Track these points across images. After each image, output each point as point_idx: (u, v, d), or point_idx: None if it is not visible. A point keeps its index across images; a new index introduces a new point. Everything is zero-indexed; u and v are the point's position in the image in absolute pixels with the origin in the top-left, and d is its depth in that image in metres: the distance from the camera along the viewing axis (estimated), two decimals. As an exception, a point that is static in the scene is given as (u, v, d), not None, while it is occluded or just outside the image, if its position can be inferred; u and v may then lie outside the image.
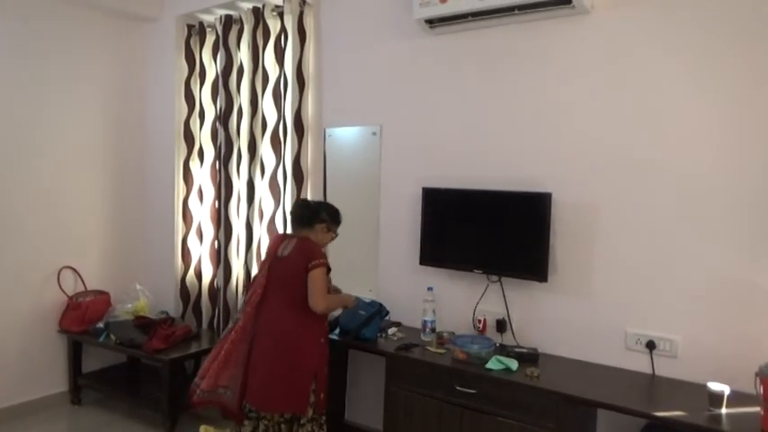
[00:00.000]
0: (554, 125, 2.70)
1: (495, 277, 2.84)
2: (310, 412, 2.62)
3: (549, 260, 2.62)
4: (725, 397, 2.04)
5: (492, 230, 2.80)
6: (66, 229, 3.92)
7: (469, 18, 2.79)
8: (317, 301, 2.59)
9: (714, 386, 2.06)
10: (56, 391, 3.86)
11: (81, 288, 3.98)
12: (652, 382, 2.37)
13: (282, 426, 2.66)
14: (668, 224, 2.41)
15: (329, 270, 2.72)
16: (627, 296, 2.51)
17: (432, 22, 2.92)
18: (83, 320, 3.79)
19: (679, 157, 2.38)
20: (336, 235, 2.89)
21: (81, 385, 3.88)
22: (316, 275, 2.60)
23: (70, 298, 3.86)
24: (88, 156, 4.05)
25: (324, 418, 2.72)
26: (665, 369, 2.42)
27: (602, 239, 2.57)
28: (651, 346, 2.43)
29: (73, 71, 3.92)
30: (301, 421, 2.62)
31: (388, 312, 2.97)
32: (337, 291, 2.99)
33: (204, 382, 2.74)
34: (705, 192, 2.33)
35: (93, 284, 4.05)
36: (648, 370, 2.45)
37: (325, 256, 2.70)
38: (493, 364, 2.44)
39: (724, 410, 2.04)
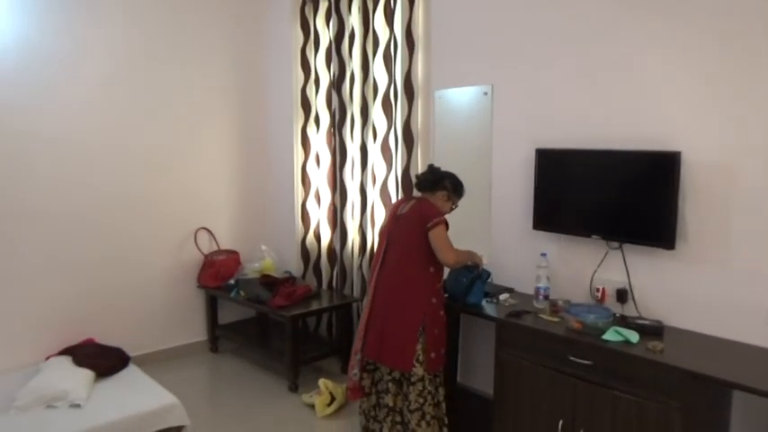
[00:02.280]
0: (682, 75, 2.41)
1: (615, 243, 2.66)
2: (420, 371, 2.65)
3: (677, 226, 2.39)
4: None
5: (612, 193, 2.61)
6: (201, 195, 4.29)
7: (590, -38, 2.56)
8: (447, 256, 2.65)
9: None
10: (196, 339, 4.31)
11: (215, 248, 4.35)
12: (799, 364, 2.11)
13: (390, 384, 2.72)
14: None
15: (447, 227, 2.73)
16: (771, 267, 2.23)
17: (547, -30, 2.72)
18: (217, 277, 4.15)
19: None
20: (455, 206, 2.87)
21: (218, 335, 4.29)
22: (437, 233, 2.64)
23: (206, 256, 4.24)
24: (217, 127, 4.35)
25: (439, 379, 2.75)
26: (816, 350, 2.14)
27: (742, 204, 2.29)
28: (800, 323, 2.16)
29: (197, 43, 4.18)
30: (411, 379, 2.66)
31: (489, 275, 2.91)
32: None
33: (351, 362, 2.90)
34: None
35: (225, 244, 4.41)
36: (795, 350, 2.18)
37: (442, 215, 2.71)
38: (610, 335, 2.31)
39: None
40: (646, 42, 2.52)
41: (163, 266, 4.11)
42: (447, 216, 2.77)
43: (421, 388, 2.67)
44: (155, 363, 3.93)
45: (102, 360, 3.33)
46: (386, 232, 2.85)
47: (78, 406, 2.91)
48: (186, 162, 4.19)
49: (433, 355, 2.67)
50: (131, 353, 3.65)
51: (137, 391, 3.12)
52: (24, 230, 3.47)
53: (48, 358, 3.41)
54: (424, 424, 2.65)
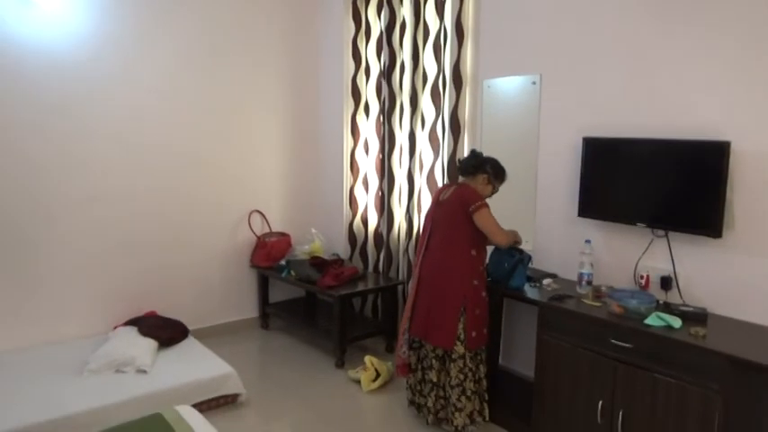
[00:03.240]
0: (732, 64, 2.42)
1: (660, 232, 2.69)
2: (461, 349, 2.77)
3: (723, 215, 2.41)
4: None
5: (658, 182, 2.64)
6: (254, 179, 4.49)
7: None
8: (499, 238, 2.79)
9: None
10: (249, 316, 4.54)
11: (267, 230, 4.55)
12: None
13: (434, 361, 2.85)
14: None
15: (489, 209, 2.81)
16: (821, 257, 2.23)
17: (599, -40, 2.74)
18: (268, 257, 4.35)
19: None
20: (496, 191, 2.95)
21: (268, 313, 4.50)
22: (483, 216, 2.74)
23: (258, 237, 4.45)
24: (270, 116, 4.53)
25: (480, 356, 2.86)
26: None
27: (792, 194, 2.29)
28: None
29: (253, 35, 4.35)
30: (452, 356, 2.79)
31: (530, 258, 2.98)
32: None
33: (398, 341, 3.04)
34: None
35: (276, 227, 4.61)
36: (843, 340, 2.18)
37: (483, 198, 2.80)
38: (652, 320, 2.36)
39: None
40: (695, 31, 2.53)
41: (219, 247, 4.33)
42: (491, 202, 2.84)
43: (462, 365, 2.78)
44: (210, 336, 4.17)
45: (164, 331, 3.58)
46: (429, 217, 2.96)
47: (144, 371, 3.16)
48: (241, 149, 4.39)
49: (474, 333, 2.78)
50: (189, 326, 3.90)
51: (196, 361, 3.35)
52: (97, 212, 3.73)
53: (115, 328, 3.69)
54: (464, 399, 2.78)
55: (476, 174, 2.90)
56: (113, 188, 3.79)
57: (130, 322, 3.71)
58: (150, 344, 3.41)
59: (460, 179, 2.99)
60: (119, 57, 3.74)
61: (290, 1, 4.52)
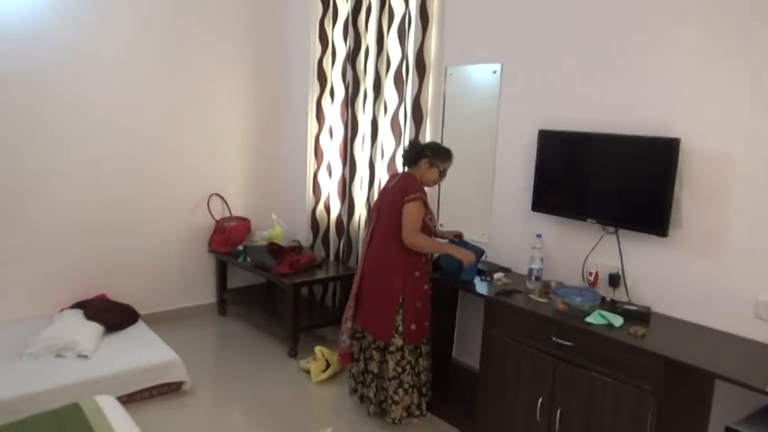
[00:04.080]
0: (686, 64, 2.36)
1: (611, 228, 2.64)
2: (399, 341, 2.73)
3: (671, 213, 2.37)
4: None
5: (609, 178, 2.59)
6: (216, 162, 4.38)
7: (602, -61, 2.50)
8: (407, 234, 2.69)
9: None
10: (206, 302, 4.46)
11: (227, 214, 4.46)
12: (783, 358, 2.09)
13: (374, 352, 2.83)
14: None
15: (426, 205, 2.76)
16: (763, 260, 2.20)
17: (560, -53, 2.66)
18: (227, 242, 4.27)
19: None
20: (442, 171, 2.86)
21: (226, 299, 4.43)
22: (409, 209, 2.68)
23: (217, 222, 4.35)
24: (234, 96, 4.42)
25: (420, 350, 2.82)
26: (801, 345, 2.11)
27: (739, 195, 2.25)
28: (787, 317, 2.13)
29: (217, 10, 4.23)
30: (390, 349, 2.76)
31: (483, 253, 2.93)
32: (442, 237, 3.02)
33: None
34: None
35: (237, 211, 4.51)
36: (781, 343, 2.16)
37: (421, 191, 2.73)
38: (594, 318, 2.32)
39: None
40: (649, 30, 2.47)
41: (176, 230, 4.23)
42: (445, 195, 2.78)
43: (399, 357, 2.75)
44: (165, 322, 4.09)
45: (111, 315, 3.49)
46: (375, 207, 2.93)
47: (86, 357, 3.07)
48: (203, 130, 4.28)
49: (413, 327, 2.74)
50: (142, 311, 3.82)
51: (141, 347, 3.27)
52: (48, 188, 3.62)
53: (61, 311, 3.59)
54: (401, 391, 2.75)
55: (417, 161, 2.84)
56: (66, 166, 3.68)
57: (78, 305, 3.62)
58: (95, 328, 3.32)
59: (405, 169, 2.93)
60: (73, 32, 3.60)
61: (256, -21, 4.40)
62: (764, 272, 2.20)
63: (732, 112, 2.24)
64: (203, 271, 4.41)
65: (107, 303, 3.67)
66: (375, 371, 2.82)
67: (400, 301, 2.72)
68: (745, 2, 2.19)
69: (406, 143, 3.58)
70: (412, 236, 2.69)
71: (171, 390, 3.15)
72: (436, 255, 2.92)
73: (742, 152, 2.23)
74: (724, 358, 2.07)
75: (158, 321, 3.99)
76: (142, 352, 3.20)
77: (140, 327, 3.58)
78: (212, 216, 4.36)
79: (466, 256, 2.79)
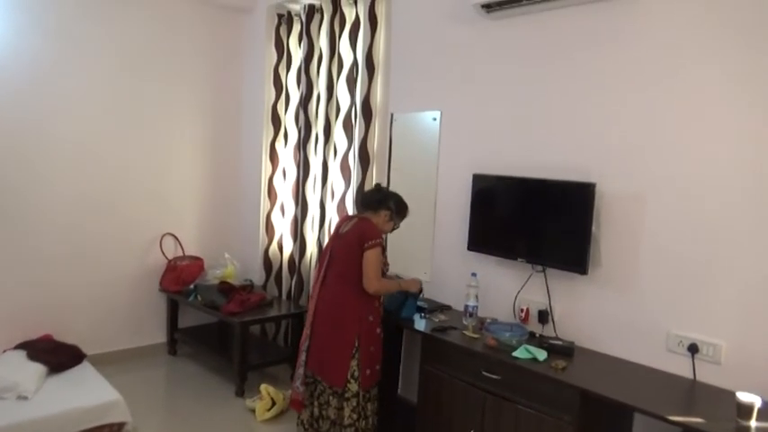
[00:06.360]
0: (603, 115, 2.59)
1: (539, 267, 2.80)
2: (354, 387, 2.72)
3: (590, 252, 2.54)
4: (755, 409, 1.89)
5: (536, 219, 2.76)
6: (170, 201, 4.44)
7: (523, 2, 2.74)
8: (370, 282, 2.70)
9: (744, 397, 1.92)
10: (156, 341, 4.43)
11: (180, 253, 4.49)
12: (691, 388, 2.24)
13: (331, 397, 2.78)
14: (722, 222, 2.23)
15: (384, 250, 2.82)
16: (672, 295, 2.37)
17: (488, 6, 2.90)
18: (178, 281, 4.29)
19: (738, 154, 2.19)
20: (397, 227, 2.96)
21: (177, 339, 4.41)
22: (369, 256, 2.69)
23: (169, 261, 4.38)
24: (189, 137, 4.52)
25: (370, 394, 2.80)
26: (707, 375, 2.27)
27: (649, 234, 2.44)
28: (694, 349, 2.29)
29: (177, 58, 4.38)
30: (345, 395, 2.73)
31: (421, 291, 3.02)
32: (392, 277, 3.07)
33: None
34: (765, 190, 2.13)
35: (190, 251, 4.55)
36: (689, 375, 2.31)
37: (381, 237, 2.77)
38: (520, 352, 2.44)
39: (754, 423, 1.89)
40: (570, 90, 2.70)
41: (127, 268, 4.24)
42: (390, 234, 2.86)
43: (355, 404, 2.73)
44: (113, 362, 4.05)
45: (54, 356, 3.45)
46: (328, 248, 2.92)
47: (26, 398, 3.02)
48: (158, 169, 4.35)
49: (368, 371, 2.74)
50: (90, 351, 3.77)
51: (83, 387, 3.24)
52: (-8, 226, 3.60)
53: (4, 351, 3.53)
54: (358, 439, 2.72)
55: (378, 209, 2.87)
56: (12, 201, 3.67)
57: (21, 346, 3.56)
58: (37, 369, 3.28)
59: (360, 211, 2.98)
60: (31, 70, 3.67)
61: (215, 26, 4.56)
62: (675, 306, 2.37)
63: (645, 158, 2.45)
64: (154, 310, 4.41)
65: (51, 344, 3.63)
66: (332, 417, 2.77)
67: (356, 346, 2.70)
68: (651, 67, 2.43)
69: (358, 185, 3.72)
70: (375, 283, 2.71)
71: (113, 430, 3.12)
72: None
73: (650, 195, 2.43)
74: (636, 389, 2.21)
75: (106, 362, 3.95)
76: (84, 392, 3.16)
77: (85, 367, 3.54)
78: (164, 254, 4.39)
79: (415, 284, 2.94)
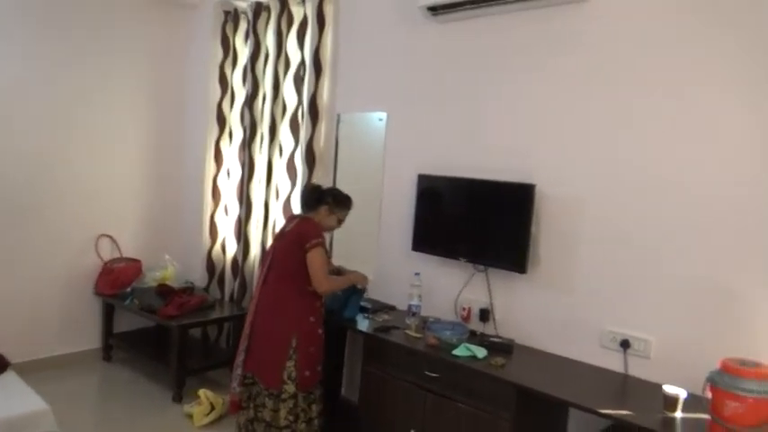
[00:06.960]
0: (545, 119, 2.65)
1: (481, 267, 2.84)
2: (291, 388, 2.66)
3: (529, 252, 2.59)
4: (680, 401, 1.97)
5: (477, 220, 2.79)
6: (106, 201, 4.25)
7: (468, 6, 2.78)
8: (320, 283, 2.65)
9: (669, 389, 2.00)
10: (90, 347, 4.22)
11: (117, 255, 4.31)
12: (623, 382, 2.32)
13: (267, 399, 2.71)
14: (654, 225, 2.33)
15: (325, 249, 2.77)
16: (606, 293, 2.45)
17: (434, 9, 2.93)
18: (114, 284, 4.11)
19: (667, 160, 2.30)
20: (341, 219, 2.93)
21: (112, 344, 4.22)
22: (313, 257, 2.64)
23: (105, 263, 4.19)
24: (130, 134, 4.35)
25: (313, 395, 2.76)
26: (637, 369, 2.35)
27: (586, 235, 2.51)
28: (625, 345, 2.37)
29: (119, 53, 4.21)
30: (282, 396, 2.67)
31: (365, 290, 3.01)
32: (340, 272, 3.05)
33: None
34: (695, 197, 2.23)
35: (128, 252, 4.37)
36: (622, 369, 2.38)
37: (321, 236, 2.73)
38: (460, 350, 2.46)
39: (679, 414, 1.97)
40: (513, 90, 2.76)
41: (58, 271, 4.03)
42: (336, 234, 2.83)
43: (292, 405, 2.67)
44: (43, 370, 3.83)
45: (-25, 363, 3.24)
46: (271, 249, 2.88)
47: (-58, 409, 2.82)
48: (94, 168, 4.16)
49: (307, 373, 2.68)
50: (18, 359, 3.57)
51: (7, 397, 3.04)
52: None
53: None
54: (294, 441, 2.67)
55: (317, 207, 2.85)
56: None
57: (-62, 353, 3.33)
58: (-44, 378, 3.08)
59: (305, 213, 2.93)
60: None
61: (158, 19, 4.42)
62: (609, 304, 2.45)
63: (584, 162, 2.52)
64: (88, 315, 4.20)
65: (-28, 351, 3.40)
66: (267, 419, 2.70)
67: (293, 346, 2.65)
68: (590, 75, 2.51)
69: (303, 185, 3.67)
70: (326, 283, 2.67)
71: (38, 441, 2.95)
72: None
73: (587, 199, 2.50)
74: (571, 384, 2.27)
75: (35, 369, 3.74)
76: (7, 402, 2.96)
77: (10, 376, 3.32)
78: (99, 256, 4.21)
79: (361, 278, 2.93)
